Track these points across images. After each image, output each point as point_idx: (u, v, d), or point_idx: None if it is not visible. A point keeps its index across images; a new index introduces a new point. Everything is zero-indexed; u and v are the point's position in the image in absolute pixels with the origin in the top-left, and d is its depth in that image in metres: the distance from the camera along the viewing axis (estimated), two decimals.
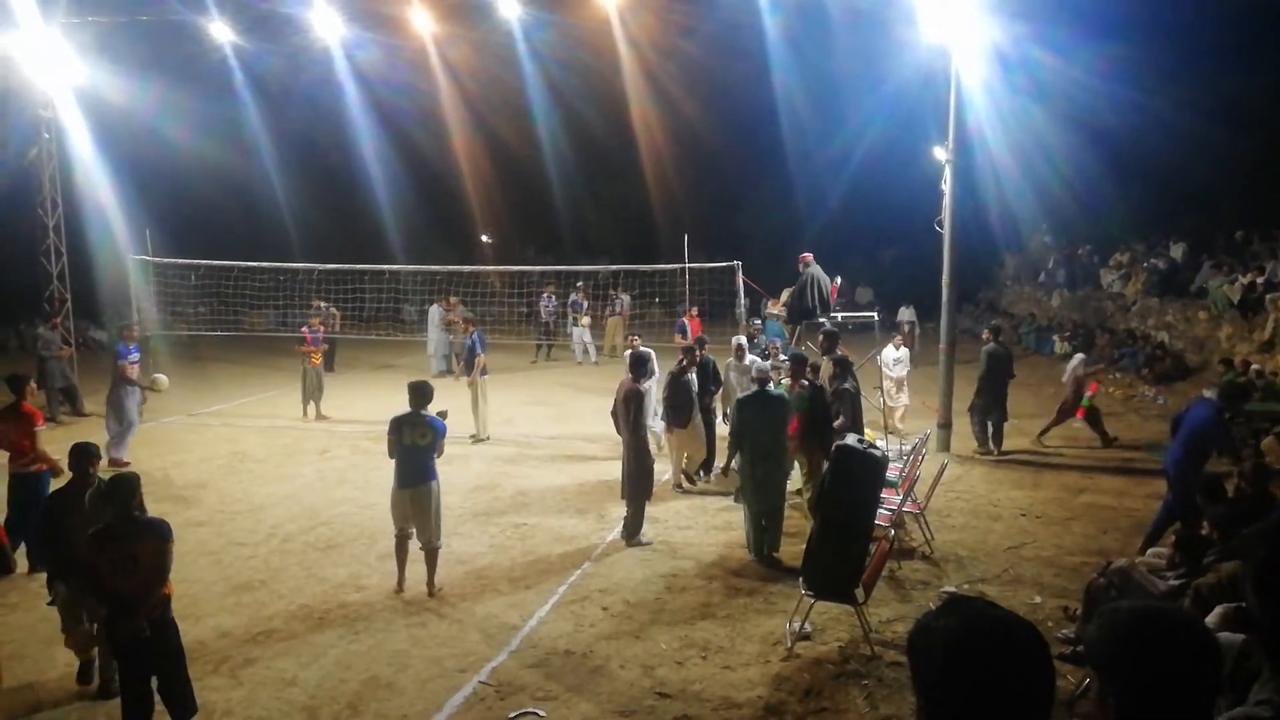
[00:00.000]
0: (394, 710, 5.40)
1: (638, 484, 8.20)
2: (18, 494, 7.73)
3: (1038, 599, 6.89)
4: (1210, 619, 3.49)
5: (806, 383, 8.62)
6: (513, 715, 5.28)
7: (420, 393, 7.15)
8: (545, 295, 21.19)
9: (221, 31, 16.31)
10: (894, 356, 12.42)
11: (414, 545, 7.20)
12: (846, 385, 8.92)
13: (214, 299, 16.27)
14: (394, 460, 7.09)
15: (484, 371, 12.55)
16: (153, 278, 16.11)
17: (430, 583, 7.12)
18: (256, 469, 11.29)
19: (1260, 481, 6.12)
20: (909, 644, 1.65)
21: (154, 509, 9.31)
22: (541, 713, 5.31)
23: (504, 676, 5.79)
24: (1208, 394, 9.12)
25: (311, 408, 14.26)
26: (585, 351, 20.38)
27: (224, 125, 25.58)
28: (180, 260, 15.67)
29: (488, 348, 12.74)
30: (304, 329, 14.30)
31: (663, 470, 10.04)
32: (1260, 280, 14.64)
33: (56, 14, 14.66)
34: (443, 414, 7.47)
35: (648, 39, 21.92)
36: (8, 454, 7.88)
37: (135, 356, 11.80)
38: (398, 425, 7.01)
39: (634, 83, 24.68)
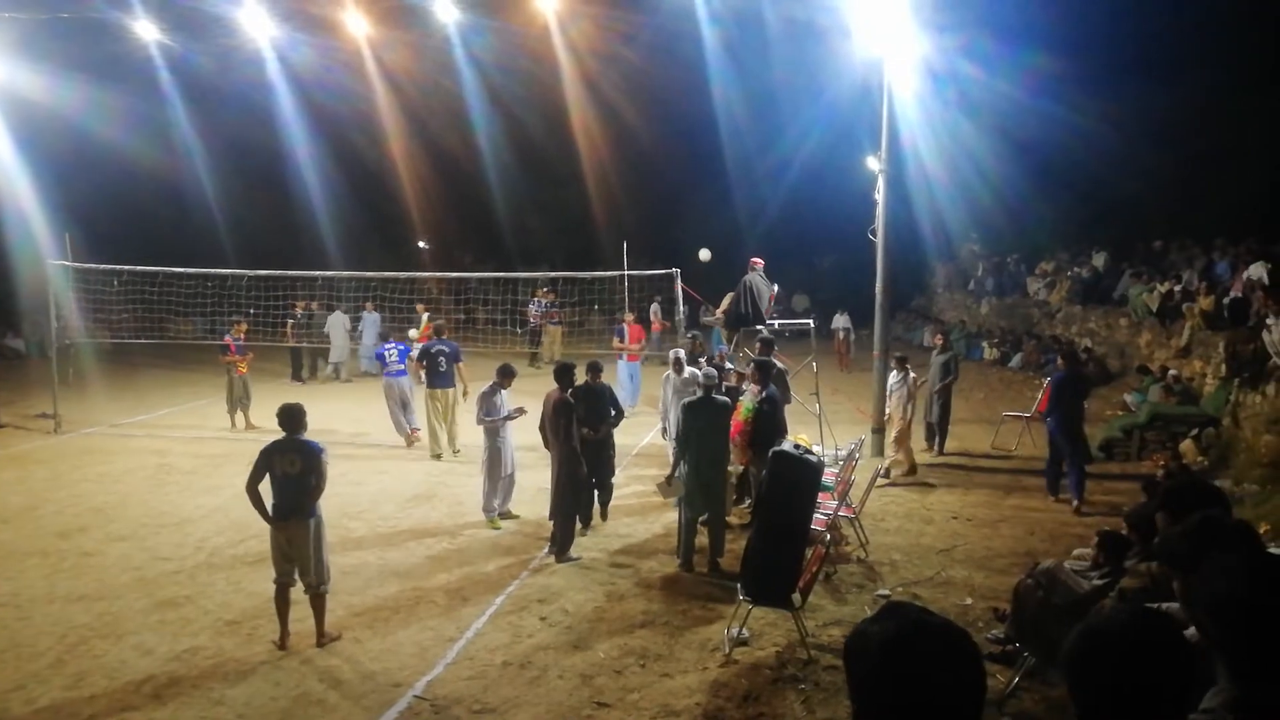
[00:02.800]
0: None
1: (568, 499, 8.06)
2: None
3: (969, 600, 7.05)
4: None
5: (760, 389, 8.56)
6: None
7: (290, 416, 6.39)
8: (535, 300, 20.79)
9: (148, 30, 15.84)
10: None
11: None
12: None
13: (139, 305, 15.74)
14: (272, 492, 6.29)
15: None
16: (74, 283, 15.53)
17: (319, 632, 6.32)
18: (183, 481, 10.95)
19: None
20: (846, 648, 1.68)
21: (71, 524, 9.05)
22: None
23: (440, 690, 5.70)
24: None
25: (240, 417, 13.87)
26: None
27: (153, 126, 24.78)
28: (102, 266, 15.13)
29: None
30: (226, 338, 13.89)
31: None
32: (1177, 289, 15.23)
33: None
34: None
35: (588, 46, 21.92)
36: None
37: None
38: (267, 455, 6.28)
39: (574, 90, 24.65)
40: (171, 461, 11.85)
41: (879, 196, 11.83)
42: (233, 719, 5.37)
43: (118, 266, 15.15)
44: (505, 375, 9.04)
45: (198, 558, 8.18)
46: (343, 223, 29.24)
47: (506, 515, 9.28)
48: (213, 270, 15.79)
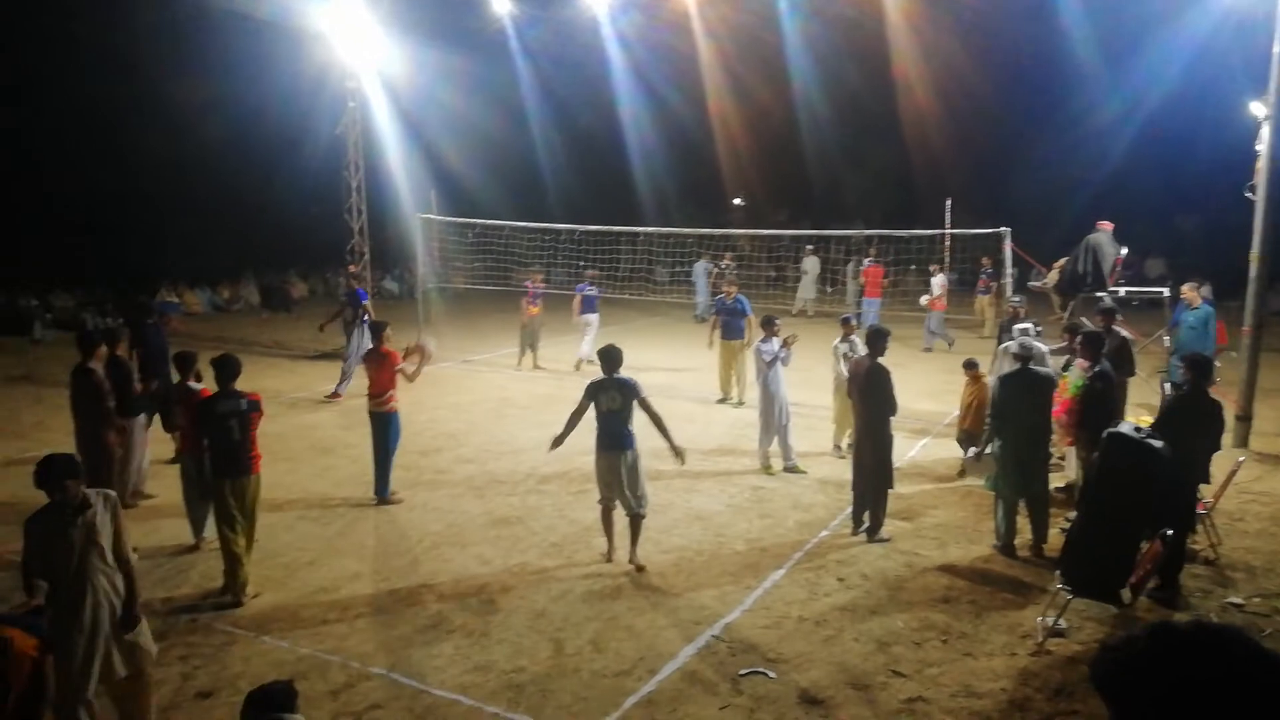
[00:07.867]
0: (631, 651, 5.68)
1: (880, 475, 7.58)
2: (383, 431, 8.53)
3: None
4: None
5: (1091, 364, 7.79)
6: (743, 673, 5.39)
7: (610, 357, 7.09)
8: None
9: (502, 4, 17.54)
10: None
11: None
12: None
13: (488, 255, 17.67)
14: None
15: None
16: (435, 234, 17.72)
17: (632, 551, 7.02)
18: (519, 414, 12.18)
19: None
20: (1105, 668, 1.53)
21: (430, 444, 10.41)
22: (771, 674, 5.37)
23: (736, 634, 5.90)
24: None
25: (528, 358, 15.17)
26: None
27: (495, 92, 27.21)
28: (458, 219, 17.12)
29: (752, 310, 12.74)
30: (526, 282, 15.11)
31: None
32: None
33: None
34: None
35: None
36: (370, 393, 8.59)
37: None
38: (594, 391, 7.01)
39: (897, 37, 23.42)
40: (510, 397, 13.22)
41: (1261, 147, 10.10)
42: (552, 631, 5.96)
43: (471, 220, 17.04)
44: (766, 325, 9.63)
45: (528, 484, 9.11)
46: (656, 182, 30.51)
47: (793, 469, 9.44)
48: (551, 225, 17.29)
